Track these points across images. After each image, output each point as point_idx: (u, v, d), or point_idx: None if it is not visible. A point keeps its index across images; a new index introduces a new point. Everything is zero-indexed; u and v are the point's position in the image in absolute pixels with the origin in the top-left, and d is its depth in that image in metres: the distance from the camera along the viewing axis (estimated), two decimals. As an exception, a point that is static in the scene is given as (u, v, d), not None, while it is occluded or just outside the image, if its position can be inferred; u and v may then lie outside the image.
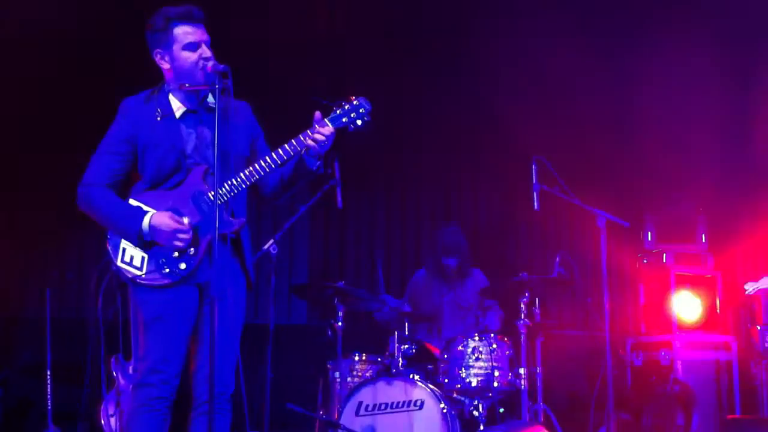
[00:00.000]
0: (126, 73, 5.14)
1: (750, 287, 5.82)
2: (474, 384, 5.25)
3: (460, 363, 5.29)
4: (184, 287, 3.36)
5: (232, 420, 3.49)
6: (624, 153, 7.22)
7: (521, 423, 5.24)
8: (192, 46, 3.37)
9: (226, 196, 3.33)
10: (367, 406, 5.13)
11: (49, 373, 5.67)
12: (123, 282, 3.45)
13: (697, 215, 7.06)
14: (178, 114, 3.46)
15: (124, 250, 3.36)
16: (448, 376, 5.32)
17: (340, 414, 5.14)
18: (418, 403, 5.08)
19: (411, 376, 5.18)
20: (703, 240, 7.00)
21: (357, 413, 5.12)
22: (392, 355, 5.38)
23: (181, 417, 3.44)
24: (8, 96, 6.06)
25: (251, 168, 3.37)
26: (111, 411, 5.21)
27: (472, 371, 5.26)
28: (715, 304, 6.86)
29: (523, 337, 5.33)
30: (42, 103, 6.25)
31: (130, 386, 5.23)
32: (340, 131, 3.41)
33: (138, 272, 3.33)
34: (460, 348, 5.32)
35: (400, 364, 5.31)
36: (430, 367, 5.52)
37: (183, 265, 3.32)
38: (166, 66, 3.43)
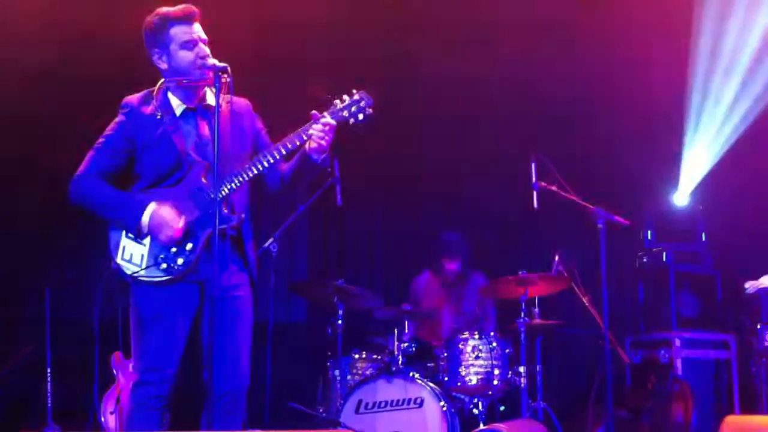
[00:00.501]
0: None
1: (749, 286, 5.82)
2: (474, 382, 5.26)
3: (460, 361, 5.29)
4: (183, 285, 3.36)
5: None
6: (624, 151, 7.22)
7: (521, 421, 5.24)
8: (189, 45, 3.39)
9: (225, 192, 3.34)
10: (367, 404, 5.13)
11: (49, 371, 5.67)
12: (123, 280, 3.45)
13: (696, 214, 7.06)
14: (177, 112, 3.47)
15: (124, 247, 3.37)
16: (448, 374, 5.33)
17: (340, 412, 5.14)
18: (418, 401, 5.09)
19: (411, 374, 5.19)
20: (703, 239, 7.00)
21: (357, 411, 5.13)
22: (392, 353, 5.39)
23: (189, 411, 3.45)
24: (7, 93, 6.07)
25: (251, 163, 3.38)
26: (111, 408, 5.22)
27: (472, 369, 5.26)
28: (715, 302, 6.86)
29: (522, 335, 5.34)
30: (41, 102, 6.25)
31: (130, 384, 5.25)
32: (342, 125, 3.41)
33: (137, 269, 3.33)
34: (460, 346, 5.33)
35: (400, 362, 5.31)
36: (430, 365, 5.52)
37: (180, 261, 3.33)
38: (163, 66, 3.44)
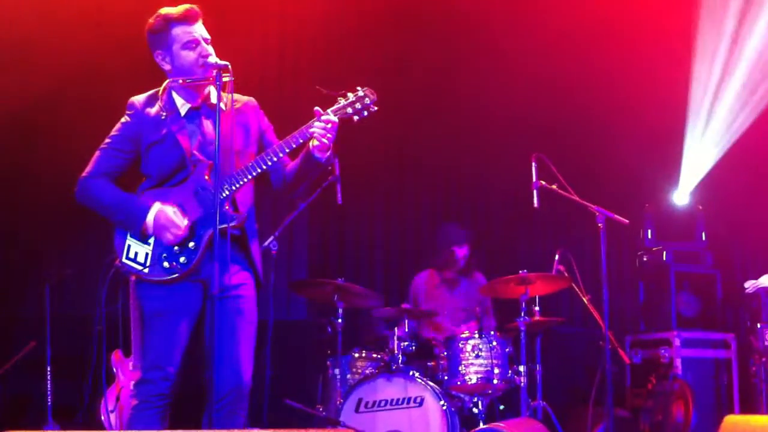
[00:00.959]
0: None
1: (749, 285, 5.82)
2: (474, 381, 5.26)
3: (460, 360, 5.29)
4: (186, 283, 3.37)
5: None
6: (624, 150, 7.22)
7: (520, 420, 5.24)
8: (191, 45, 3.40)
9: (229, 190, 3.35)
10: (367, 402, 5.13)
11: (49, 368, 5.67)
12: (125, 278, 3.46)
13: (696, 213, 7.06)
14: (182, 112, 3.48)
15: (129, 246, 3.39)
16: (448, 373, 5.33)
17: (339, 411, 5.14)
18: (418, 400, 5.09)
19: (411, 372, 5.19)
20: (703, 238, 7.00)
21: (357, 410, 5.13)
22: (392, 351, 5.38)
23: (191, 410, 3.44)
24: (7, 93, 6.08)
25: (254, 162, 3.39)
26: (111, 407, 5.22)
27: (472, 368, 5.26)
28: (715, 301, 6.87)
29: (522, 334, 5.34)
30: (42, 100, 6.25)
31: (130, 382, 5.26)
32: (346, 122, 3.41)
33: (141, 268, 3.35)
34: (460, 345, 5.33)
35: (399, 360, 5.31)
36: (429, 364, 5.53)
37: (183, 259, 3.34)
38: (167, 66, 3.46)
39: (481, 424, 5.19)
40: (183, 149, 3.41)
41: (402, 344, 5.38)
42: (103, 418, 5.24)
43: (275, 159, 3.39)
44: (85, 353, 5.83)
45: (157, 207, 3.35)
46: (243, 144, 3.50)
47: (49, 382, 5.66)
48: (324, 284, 5.46)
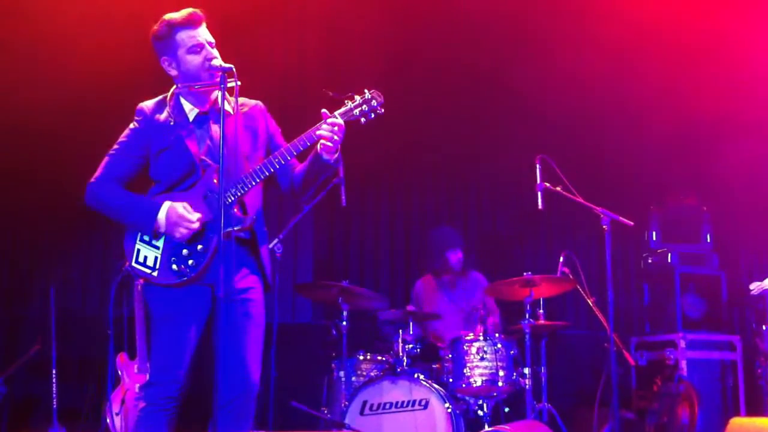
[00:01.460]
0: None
1: (755, 287, 5.81)
2: (479, 384, 5.25)
3: (465, 362, 5.29)
4: (195, 287, 3.37)
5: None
6: (629, 152, 7.21)
7: (525, 422, 5.23)
8: (196, 49, 3.41)
9: (237, 194, 3.36)
10: (372, 405, 5.13)
11: (54, 371, 5.68)
12: (132, 282, 3.47)
13: (701, 215, 7.05)
14: (190, 117, 3.49)
15: (138, 250, 3.40)
16: (453, 376, 5.33)
17: (344, 413, 5.14)
18: (423, 403, 5.09)
19: (415, 375, 5.19)
20: (708, 239, 6.99)
21: (361, 412, 5.13)
22: (397, 354, 5.38)
23: (199, 414, 3.45)
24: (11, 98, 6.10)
25: (262, 165, 3.39)
26: (116, 409, 5.22)
27: (477, 371, 5.26)
28: (720, 303, 6.85)
29: (527, 336, 5.33)
30: (41, 101, 6.27)
31: (135, 385, 5.27)
32: (353, 124, 3.42)
33: (150, 271, 3.36)
34: (464, 347, 5.33)
35: (404, 363, 5.31)
36: (434, 366, 5.52)
37: (191, 262, 3.34)
38: (174, 72, 3.47)
39: (486, 426, 5.19)
40: (192, 154, 3.42)
41: (407, 347, 5.37)
42: (108, 420, 5.25)
43: (283, 162, 3.40)
44: (90, 356, 5.85)
45: (167, 204, 3.36)
46: (251, 148, 3.51)
47: (54, 384, 5.67)
48: (329, 286, 5.46)
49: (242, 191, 3.37)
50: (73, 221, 6.37)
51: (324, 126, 3.37)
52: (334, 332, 5.53)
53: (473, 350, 5.30)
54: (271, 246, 5.06)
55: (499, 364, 5.27)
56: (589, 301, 5.46)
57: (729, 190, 7.16)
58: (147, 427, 3.32)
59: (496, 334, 5.40)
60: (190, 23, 3.41)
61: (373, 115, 3.43)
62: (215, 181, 3.38)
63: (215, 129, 3.47)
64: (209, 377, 3.15)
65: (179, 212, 3.33)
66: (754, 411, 6.27)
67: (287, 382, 5.31)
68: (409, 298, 6.47)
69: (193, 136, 3.45)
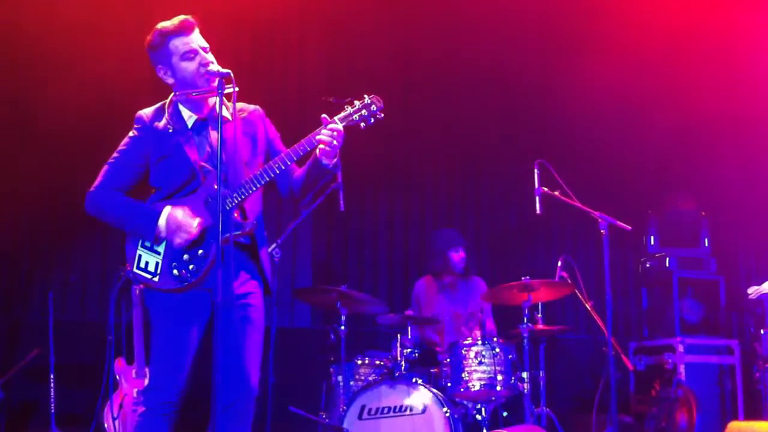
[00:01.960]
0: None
1: (753, 291, 5.82)
2: (477, 388, 5.25)
3: (463, 367, 5.29)
4: (195, 292, 3.38)
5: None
6: (627, 157, 7.22)
7: (524, 427, 5.24)
8: (189, 55, 3.41)
9: (237, 199, 3.36)
10: (370, 410, 5.13)
11: (52, 375, 5.68)
12: (131, 287, 3.47)
13: (699, 219, 7.06)
14: (189, 123, 3.50)
15: (139, 256, 3.40)
16: (451, 380, 5.33)
17: (342, 418, 5.14)
18: (421, 407, 5.09)
19: (414, 380, 5.19)
20: (706, 244, 7.00)
21: (360, 417, 5.13)
22: (395, 358, 5.38)
23: (199, 418, 3.45)
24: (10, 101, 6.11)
25: (262, 171, 3.40)
26: (114, 414, 5.22)
27: (475, 375, 5.26)
28: (719, 308, 6.86)
29: (525, 341, 5.33)
30: (42, 105, 6.28)
31: (133, 389, 5.27)
32: (350, 129, 3.43)
33: (151, 277, 3.36)
34: (463, 352, 5.33)
35: (403, 367, 5.31)
36: (433, 370, 5.52)
37: (192, 267, 3.35)
38: (170, 80, 3.48)
39: (485, 431, 5.19)
40: (192, 161, 3.42)
41: (405, 351, 5.37)
42: (107, 425, 5.25)
43: (283, 167, 3.41)
44: (88, 361, 5.84)
45: (167, 210, 3.36)
46: (251, 154, 3.52)
47: (52, 389, 5.67)
48: (327, 291, 5.46)
49: (242, 197, 3.38)
50: (73, 226, 6.37)
51: (324, 131, 3.38)
52: (333, 337, 5.53)
53: (471, 354, 5.30)
54: (269, 251, 5.06)
55: (498, 368, 5.27)
56: (587, 305, 5.46)
57: (727, 195, 7.17)
58: (146, 431, 3.32)
59: (495, 339, 5.40)
60: (183, 30, 3.42)
61: (372, 120, 3.44)
62: (216, 187, 3.39)
63: (214, 135, 3.48)
64: (208, 381, 3.15)
65: (179, 219, 3.34)
66: (752, 415, 6.27)
67: (286, 387, 5.30)
68: (409, 302, 6.47)
69: (192, 142, 3.45)
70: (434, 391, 5.13)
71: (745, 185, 7.13)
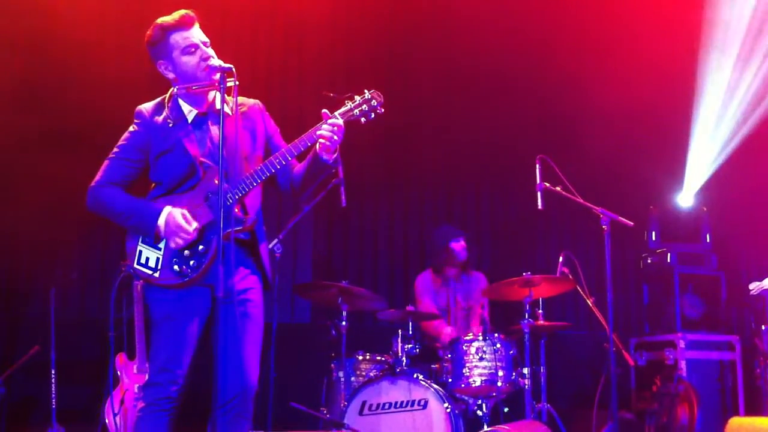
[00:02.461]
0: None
1: (754, 287, 5.81)
2: (478, 384, 5.25)
3: (464, 363, 5.29)
4: (195, 287, 3.38)
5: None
6: (628, 152, 7.21)
7: (525, 422, 5.24)
8: (190, 50, 3.41)
9: (238, 195, 3.36)
10: (371, 405, 5.13)
11: (53, 372, 5.68)
12: (132, 283, 3.47)
13: (700, 215, 7.05)
14: (189, 118, 3.49)
15: (140, 252, 3.41)
16: (452, 376, 5.33)
17: (343, 413, 5.14)
18: (422, 403, 5.09)
19: (415, 375, 5.19)
20: (707, 239, 6.99)
21: (361, 413, 5.13)
22: (396, 354, 5.38)
23: (199, 414, 3.45)
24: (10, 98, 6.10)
25: (263, 166, 3.40)
26: (115, 409, 5.23)
27: (476, 371, 5.26)
28: (719, 303, 6.85)
29: (526, 336, 5.33)
30: (43, 103, 6.27)
31: (134, 385, 5.27)
32: (353, 124, 3.43)
33: (152, 272, 3.37)
34: (464, 347, 5.33)
35: (403, 363, 5.31)
36: (433, 366, 5.52)
37: (192, 262, 3.35)
38: (171, 75, 3.47)
39: (486, 426, 5.19)
40: (192, 156, 3.42)
41: (406, 347, 5.37)
42: (107, 420, 5.25)
43: (284, 163, 3.41)
44: (89, 357, 5.85)
45: (167, 210, 3.36)
46: (250, 148, 3.51)
47: (53, 385, 5.67)
48: (328, 287, 5.46)
49: (243, 192, 3.38)
50: (74, 223, 6.37)
51: (324, 126, 3.38)
52: (334, 332, 5.53)
53: (472, 350, 5.30)
54: (270, 246, 5.06)
55: (499, 364, 5.27)
56: (588, 301, 5.46)
57: (728, 190, 7.17)
58: (146, 427, 3.32)
59: (495, 334, 5.40)
60: (183, 25, 3.41)
61: (373, 115, 3.44)
62: (216, 182, 3.39)
63: (214, 130, 3.48)
64: (208, 377, 3.15)
65: (177, 221, 3.33)
66: (753, 411, 6.27)
67: (286, 383, 5.30)
68: (409, 297, 6.47)
69: (192, 137, 3.45)
70: (435, 386, 5.13)
71: (746, 181, 7.12)
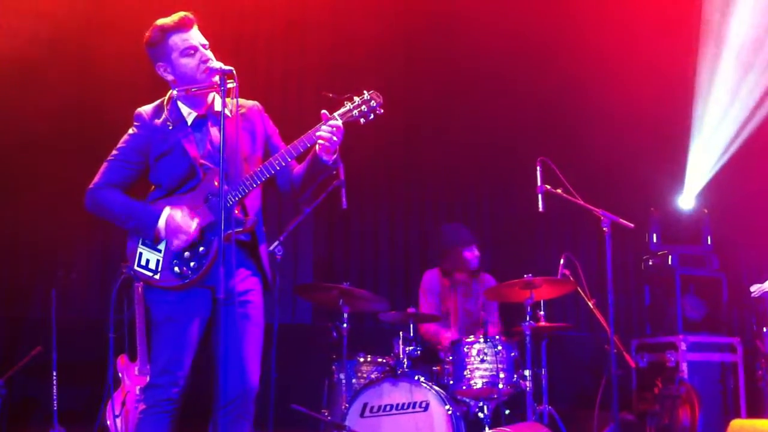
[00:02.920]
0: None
1: (755, 289, 5.81)
2: (479, 386, 5.25)
3: (466, 365, 5.29)
4: (196, 289, 3.38)
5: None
6: (629, 154, 7.21)
7: (526, 424, 5.23)
8: (189, 52, 3.42)
9: (238, 196, 3.36)
10: (372, 407, 5.13)
11: (54, 373, 5.68)
12: (133, 284, 3.47)
13: (701, 216, 7.05)
14: (189, 120, 3.50)
15: (140, 254, 3.41)
16: (453, 378, 5.33)
17: (345, 415, 5.14)
18: (423, 405, 5.09)
19: (416, 377, 5.18)
20: (708, 241, 6.99)
21: (362, 414, 5.12)
22: (397, 356, 5.38)
23: (200, 415, 3.45)
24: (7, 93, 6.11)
25: (262, 167, 3.40)
26: (117, 411, 5.22)
27: (478, 373, 5.26)
28: (721, 305, 6.85)
29: (528, 338, 5.33)
30: (43, 103, 6.27)
31: (136, 387, 5.27)
32: (352, 125, 3.43)
33: (152, 274, 3.37)
34: (465, 350, 5.32)
35: (405, 365, 5.30)
36: (435, 368, 5.52)
37: (193, 264, 3.36)
38: (170, 77, 3.48)
39: (487, 428, 5.19)
40: (191, 158, 3.42)
41: (407, 348, 5.37)
42: (108, 422, 5.25)
43: (284, 164, 3.41)
44: (91, 358, 5.84)
45: (167, 211, 3.37)
46: (250, 149, 3.52)
47: (54, 386, 5.67)
48: (329, 288, 5.46)
49: (243, 193, 3.38)
50: (75, 223, 6.37)
51: (324, 127, 3.39)
52: (335, 334, 5.53)
53: (474, 352, 5.30)
54: (271, 248, 5.05)
55: (500, 366, 5.26)
56: (589, 303, 5.46)
57: (729, 192, 7.16)
58: (147, 429, 3.33)
59: (497, 336, 5.40)
60: (183, 27, 3.42)
61: (372, 116, 3.44)
62: (216, 183, 3.39)
63: (214, 132, 3.48)
64: (209, 379, 3.16)
65: (177, 221, 3.34)
66: (754, 413, 6.27)
67: (287, 384, 5.30)
68: (411, 299, 6.45)
69: (192, 139, 3.45)
70: (436, 388, 5.13)
71: (747, 182, 7.12)
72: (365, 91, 3.46)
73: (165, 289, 3.38)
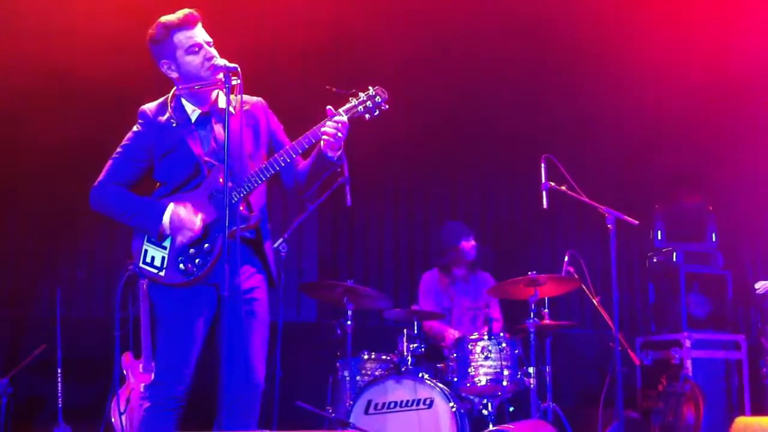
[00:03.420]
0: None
1: (760, 286, 5.80)
2: (483, 383, 5.25)
3: (470, 362, 5.29)
4: (201, 286, 3.38)
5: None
6: (633, 151, 7.20)
7: (530, 422, 5.23)
8: (194, 49, 3.41)
9: (243, 193, 3.36)
10: (377, 404, 5.13)
11: (59, 370, 5.69)
12: (138, 282, 3.48)
13: (706, 213, 7.04)
14: (193, 118, 3.50)
15: (145, 251, 3.41)
16: (458, 375, 5.33)
17: (349, 412, 5.14)
18: (428, 402, 5.09)
19: (420, 374, 5.19)
20: (713, 238, 6.98)
21: (366, 412, 5.13)
22: (401, 353, 5.38)
23: (205, 413, 3.45)
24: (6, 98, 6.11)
25: (267, 164, 3.40)
26: (122, 408, 5.23)
27: (482, 370, 5.26)
28: (726, 302, 6.84)
29: (532, 335, 5.33)
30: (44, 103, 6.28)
31: (140, 384, 5.27)
32: (357, 121, 3.43)
33: (157, 271, 3.37)
34: (469, 347, 5.32)
35: (409, 362, 5.31)
36: (439, 365, 5.52)
37: (198, 261, 3.36)
38: (174, 75, 3.47)
39: (491, 425, 5.18)
40: (196, 156, 3.43)
41: (411, 346, 5.37)
42: (113, 420, 5.26)
43: (288, 160, 3.41)
44: (95, 355, 5.85)
45: (171, 207, 3.37)
46: (254, 146, 3.52)
47: (59, 384, 5.68)
48: (334, 286, 5.46)
49: (248, 190, 3.38)
50: (79, 222, 6.38)
51: (329, 123, 3.38)
52: (339, 331, 5.54)
53: (478, 349, 5.30)
54: (276, 246, 5.06)
55: (504, 363, 5.26)
56: (594, 300, 5.45)
57: (734, 189, 7.15)
58: (152, 426, 3.33)
59: (501, 334, 5.40)
60: (187, 24, 3.41)
61: (377, 112, 3.43)
62: (221, 180, 3.39)
63: (218, 129, 3.48)
64: (214, 376, 3.16)
65: (182, 216, 3.34)
66: (759, 410, 6.26)
67: (292, 381, 5.31)
68: (415, 296, 6.45)
69: (196, 136, 3.46)
70: (440, 385, 5.13)
71: (752, 179, 7.10)
72: (370, 87, 3.46)
73: (170, 287, 3.38)
